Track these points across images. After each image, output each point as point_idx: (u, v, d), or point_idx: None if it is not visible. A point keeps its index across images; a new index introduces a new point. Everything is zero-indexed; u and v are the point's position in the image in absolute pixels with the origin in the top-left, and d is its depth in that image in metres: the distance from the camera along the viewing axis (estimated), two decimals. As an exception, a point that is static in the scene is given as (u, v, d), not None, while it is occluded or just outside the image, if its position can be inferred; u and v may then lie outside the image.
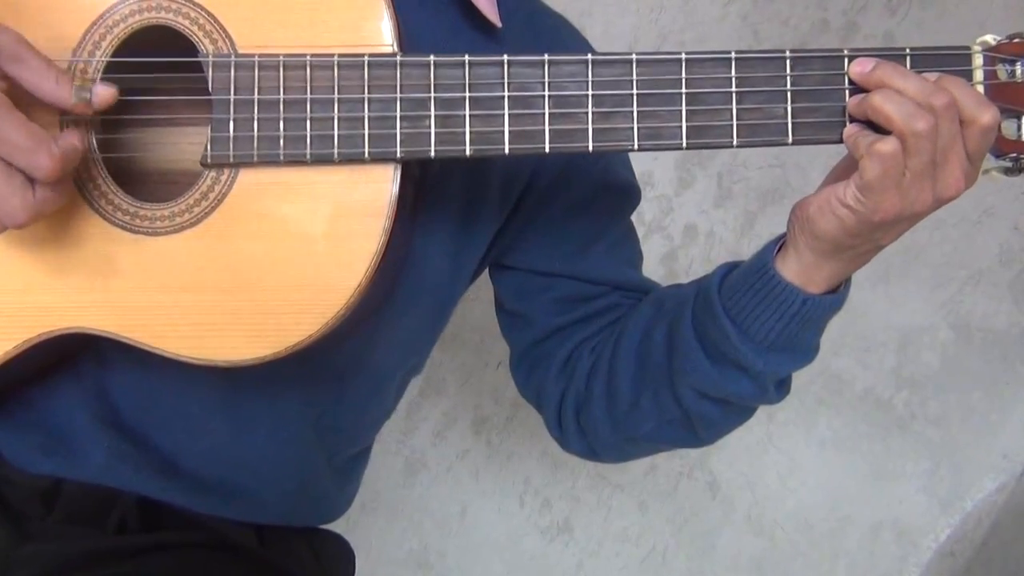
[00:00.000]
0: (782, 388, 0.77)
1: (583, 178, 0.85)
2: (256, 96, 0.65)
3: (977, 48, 0.65)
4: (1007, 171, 0.66)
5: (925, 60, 0.64)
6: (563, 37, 0.89)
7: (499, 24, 0.79)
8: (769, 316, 0.70)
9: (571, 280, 0.85)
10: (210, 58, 0.65)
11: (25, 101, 0.61)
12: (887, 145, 0.61)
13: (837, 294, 0.71)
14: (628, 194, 0.91)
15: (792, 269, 0.69)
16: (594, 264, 0.86)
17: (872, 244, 0.67)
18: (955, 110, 0.62)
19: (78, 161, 0.63)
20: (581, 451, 0.87)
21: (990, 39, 0.65)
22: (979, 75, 0.65)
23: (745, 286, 0.71)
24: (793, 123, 0.65)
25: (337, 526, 0.93)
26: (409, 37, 0.68)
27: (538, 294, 0.86)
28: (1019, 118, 0.65)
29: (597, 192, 0.86)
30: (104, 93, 0.62)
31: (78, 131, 0.64)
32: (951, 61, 0.65)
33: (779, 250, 0.71)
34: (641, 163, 1.63)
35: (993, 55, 0.65)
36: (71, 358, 0.74)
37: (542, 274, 0.86)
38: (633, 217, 0.93)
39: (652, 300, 0.83)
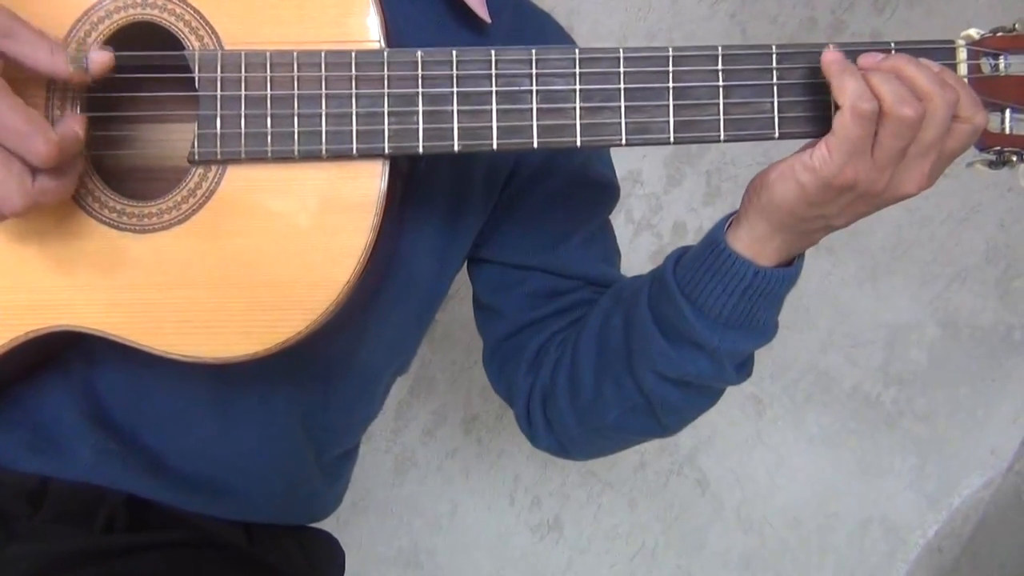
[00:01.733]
0: (743, 370, 0.77)
1: (561, 172, 0.86)
2: (243, 92, 0.65)
3: (961, 42, 0.66)
4: (991, 164, 0.66)
5: (910, 54, 0.64)
6: (548, 35, 0.89)
7: (488, 20, 0.79)
8: (722, 291, 0.70)
9: (544, 273, 0.85)
10: (196, 54, 0.65)
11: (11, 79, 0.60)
12: (870, 104, 0.61)
13: (790, 268, 0.71)
14: (606, 191, 0.91)
15: (743, 241, 0.69)
16: (568, 258, 0.86)
17: (823, 223, 0.67)
18: (952, 111, 0.62)
19: (78, 149, 0.62)
20: (550, 447, 0.87)
21: (974, 33, 0.66)
22: (963, 69, 0.66)
23: (697, 262, 0.71)
24: (779, 117, 0.65)
25: (327, 525, 0.93)
26: (397, 33, 0.68)
27: (511, 288, 0.86)
28: (1003, 111, 0.65)
29: (575, 186, 0.87)
30: (100, 59, 0.61)
31: (79, 117, 0.62)
32: (935, 55, 0.65)
33: (730, 226, 0.71)
34: (630, 161, 1.64)
35: (977, 49, 0.65)
36: (59, 356, 0.74)
37: (516, 267, 0.86)
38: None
39: (612, 290, 0.84)
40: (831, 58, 0.63)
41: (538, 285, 0.86)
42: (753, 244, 0.69)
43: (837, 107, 0.64)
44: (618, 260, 0.92)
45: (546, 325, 0.86)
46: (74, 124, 0.61)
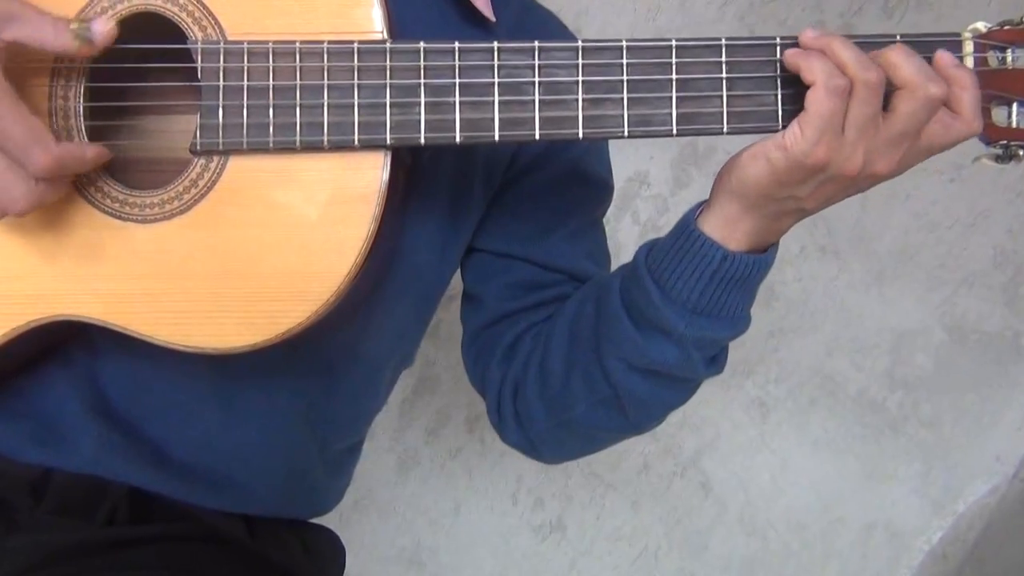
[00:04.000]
0: (714, 364, 0.75)
1: (554, 164, 0.85)
2: (245, 83, 0.65)
3: (968, 35, 0.65)
4: (997, 158, 0.66)
5: (916, 47, 0.64)
6: (552, 34, 0.89)
7: (492, 18, 0.80)
8: (690, 275, 0.69)
9: (527, 264, 0.85)
10: (199, 45, 0.65)
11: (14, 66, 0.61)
12: (841, 80, 0.61)
13: (762, 255, 0.70)
14: (599, 188, 0.90)
15: (713, 223, 0.69)
16: (551, 250, 0.85)
17: (794, 204, 0.66)
18: (936, 106, 0.62)
19: (79, 169, 0.64)
20: (518, 442, 0.86)
21: (980, 26, 0.65)
22: (970, 62, 0.65)
23: (667, 246, 0.71)
24: (783, 110, 0.65)
25: (329, 522, 0.93)
26: (401, 28, 0.68)
27: (494, 277, 0.86)
28: (1009, 105, 0.65)
29: (566, 180, 0.86)
30: (103, 28, 0.62)
31: (98, 149, 0.64)
32: (942, 48, 0.65)
33: (702, 211, 0.70)
34: (637, 162, 1.64)
35: (983, 42, 0.65)
36: (62, 346, 0.74)
37: (500, 256, 0.86)
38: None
39: (591, 281, 0.83)
40: (791, 51, 0.64)
41: (520, 276, 0.85)
42: (723, 226, 0.68)
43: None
44: (607, 262, 0.91)
45: (524, 316, 0.85)
46: (87, 150, 0.63)
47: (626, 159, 1.60)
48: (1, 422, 0.75)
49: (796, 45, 0.65)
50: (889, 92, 0.62)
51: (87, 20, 0.62)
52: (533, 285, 0.85)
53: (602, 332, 0.75)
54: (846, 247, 1.70)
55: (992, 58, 0.65)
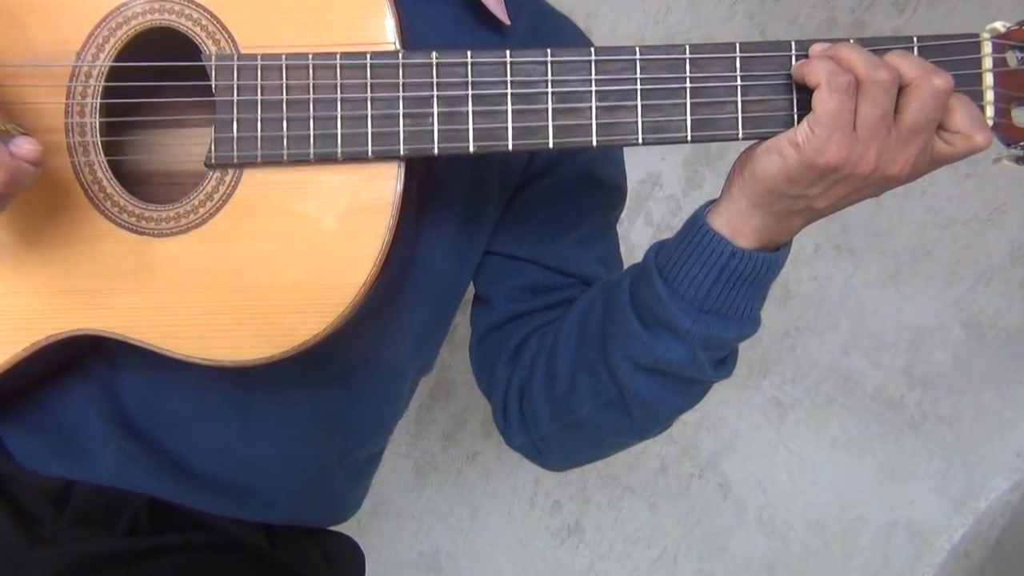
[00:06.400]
0: (722, 366, 0.75)
1: (567, 168, 0.85)
2: (259, 96, 0.65)
3: (986, 35, 0.65)
4: (1018, 159, 0.65)
5: (934, 49, 0.64)
6: (566, 37, 0.89)
7: (507, 22, 0.79)
8: (698, 271, 0.69)
9: (537, 267, 0.85)
10: (213, 59, 0.65)
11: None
12: (844, 77, 0.61)
13: (772, 254, 0.69)
14: (611, 192, 0.90)
15: (722, 217, 0.68)
16: (561, 253, 0.85)
17: (804, 203, 0.66)
18: (944, 97, 0.62)
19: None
20: (523, 445, 0.86)
21: (999, 26, 0.64)
22: (988, 63, 0.64)
23: (676, 241, 0.70)
24: (797, 114, 0.64)
25: (347, 529, 0.93)
26: (414, 35, 0.68)
27: (504, 279, 0.86)
28: None
29: (578, 184, 0.86)
30: (28, 147, 0.60)
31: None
32: (960, 49, 0.64)
33: (712, 207, 0.70)
34: (649, 163, 1.63)
35: (1002, 42, 0.64)
36: (81, 360, 0.75)
37: (510, 258, 0.85)
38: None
39: (600, 282, 0.83)
40: (797, 63, 0.64)
41: (530, 279, 0.85)
42: (731, 221, 0.68)
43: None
44: (619, 267, 0.90)
45: (532, 319, 0.85)
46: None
47: (638, 160, 1.60)
48: (23, 435, 0.76)
49: (808, 51, 0.64)
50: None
51: (17, 130, 0.60)
52: (542, 288, 0.85)
53: (610, 331, 0.75)
54: (862, 244, 1.69)
55: (1012, 58, 0.64)
